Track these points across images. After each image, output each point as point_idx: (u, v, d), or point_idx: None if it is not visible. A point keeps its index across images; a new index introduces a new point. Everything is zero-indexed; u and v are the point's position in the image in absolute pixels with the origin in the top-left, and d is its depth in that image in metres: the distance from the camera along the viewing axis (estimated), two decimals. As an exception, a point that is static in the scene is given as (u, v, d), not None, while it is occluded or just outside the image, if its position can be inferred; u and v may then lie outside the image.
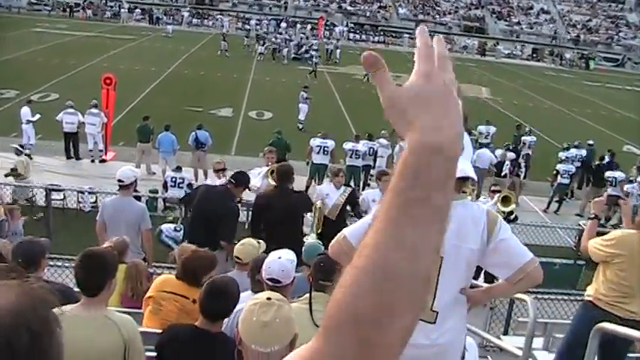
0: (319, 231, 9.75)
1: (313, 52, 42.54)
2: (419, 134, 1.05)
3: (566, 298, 9.78)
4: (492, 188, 13.37)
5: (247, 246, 6.26)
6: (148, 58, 40.48)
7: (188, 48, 45.79)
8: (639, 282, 4.80)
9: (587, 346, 4.58)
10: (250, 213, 11.49)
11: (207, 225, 8.17)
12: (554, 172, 20.78)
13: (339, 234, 3.46)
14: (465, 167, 3.26)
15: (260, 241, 6.46)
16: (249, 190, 10.49)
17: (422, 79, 1.11)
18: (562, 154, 21.88)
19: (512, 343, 7.11)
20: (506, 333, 9.05)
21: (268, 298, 2.57)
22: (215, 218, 8.24)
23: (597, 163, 21.31)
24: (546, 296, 9.73)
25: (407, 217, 1.00)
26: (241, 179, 8.92)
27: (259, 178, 10.56)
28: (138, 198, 10.62)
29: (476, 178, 3.32)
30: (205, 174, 18.32)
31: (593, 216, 5.33)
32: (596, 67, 67.25)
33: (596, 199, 5.49)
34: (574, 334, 5.01)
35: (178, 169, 16.23)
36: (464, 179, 3.30)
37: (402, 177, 1.03)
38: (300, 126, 25.93)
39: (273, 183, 10.11)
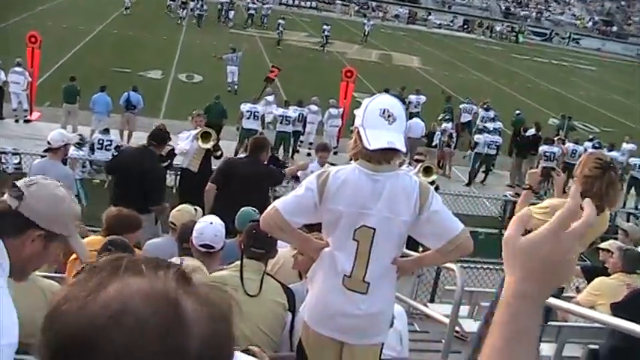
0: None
1: (280, 21, 41.44)
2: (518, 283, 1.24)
3: (491, 267, 9.98)
4: (416, 157, 13.46)
5: (184, 212, 6.11)
6: (76, 16, 39.21)
7: (117, 7, 44.55)
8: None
9: None
10: (179, 178, 11.38)
11: (133, 187, 8.01)
12: (473, 142, 21.08)
13: (270, 206, 3.42)
14: (394, 139, 3.24)
15: (197, 207, 6.34)
16: (176, 154, 10.34)
17: (553, 239, 1.21)
18: (490, 125, 22.23)
19: (439, 310, 7.23)
20: (432, 300, 9.20)
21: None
22: (141, 181, 8.10)
23: (522, 134, 21.71)
24: (472, 265, 9.90)
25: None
26: (160, 136, 8.75)
27: (188, 141, 10.38)
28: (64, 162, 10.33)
29: (405, 150, 3.31)
30: (130, 136, 18.11)
31: (527, 187, 5.38)
32: (525, 41, 68.45)
33: (530, 171, 5.54)
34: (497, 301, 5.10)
35: (106, 131, 15.92)
36: (394, 151, 3.28)
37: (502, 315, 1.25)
38: (230, 88, 25.66)
39: (203, 146, 10.00)
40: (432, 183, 11.65)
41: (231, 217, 5.71)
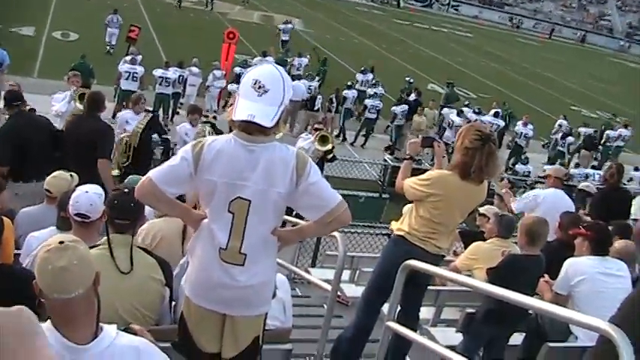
0: (124, 163, 9.28)
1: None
2: None
3: (372, 232, 10.12)
4: (315, 126, 13.50)
5: (59, 179, 5.80)
6: None
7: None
8: (453, 223, 4.96)
9: (392, 281, 4.73)
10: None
11: None
12: (363, 106, 21.38)
13: (144, 177, 3.27)
14: (257, 112, 3.14)
15: (73, 174, 6.04)
16: (52, 113, 9.87)
17: None
18: (370, 90, 22.56)
19: (320, 275, 7.26)
20: (313, 265, 9.25)
21: (61, 242, 2.34)
22: None
23: (405, 99, 22.13)
24: (353, 230, 10.01)
25: None
26: (11, 98, 8.13)
27: (64, 103, 9.93)
28: None
29: (269, 125, 3.20)
30: (-2, 95, 17.20)
31: (408, 157, 5.40)
32: (406, 6, 69.55)
33: (411, 141, 5.54)
34: (383, 268, 5.14)
35: (-31, 89, 15.00)
36: (258, 126, 3.17)
37: None
38: (111, 50, 24.82)
39: (81, 107, 9.56)
40: (329, 152, 11.73)
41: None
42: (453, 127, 19.72)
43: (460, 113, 21.13)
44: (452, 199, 4.77)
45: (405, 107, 21.04)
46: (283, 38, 31.46)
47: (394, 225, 5.16)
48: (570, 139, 23.00)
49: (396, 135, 21.08)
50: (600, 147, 24.07)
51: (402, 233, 4.96)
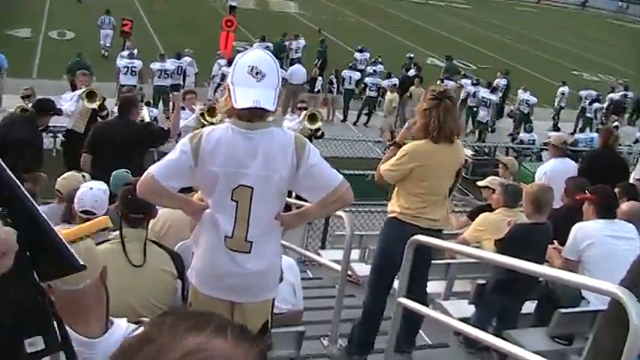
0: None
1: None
2: None
3: (380, 210, 10.09)
4: (299, 105, 13.42)
5: (70, 180, 5.85)
6: None
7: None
8: (442, 189, 4.98)
9: (394, 259, 4.78)
10: (61, 140, 10.96)
11: (7, 155, 7.60)
12: (363, 85, 21.30)
13: (146, 172, 3.29)
14: (260, 97, 3.17)
15: (85, 174, 6.08)
16: (60, 114, 9.88)
17: None
18: (370, 68, 22.49)
19: (330, 256, 7.30)
20: (323, 246, 9.28)
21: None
22: (18, 147, 7.73)
23: (404, 74, 22.06)
24: (360, 209, 10.01)
25: None
26: (47, 106, 8.39)
27: (72, 102, 9.95)
28: None
29: (273, 108, 3.25)
30: None
31: (393, 143, 5.22)
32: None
33: (405, 127, 5.44)
34: (381, 250, 5.18)
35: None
36: (264, 110, 3.22)
37: None
38: (106, 53, 24.25)
39: (89, 106, 9.61)
40: (318, 130, 11.70)
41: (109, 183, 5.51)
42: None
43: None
44: (433, 164, 4.81)
45: (394, 80, 21.00)
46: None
47: (391, 206, 5.17)
48: (597, 105, 22.95)
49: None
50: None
51: (394, 214, 5.00)
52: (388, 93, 20.12)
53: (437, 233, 4.97)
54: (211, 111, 10.02)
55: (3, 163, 1.23)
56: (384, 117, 19.59)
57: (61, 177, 6.01)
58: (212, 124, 9.48)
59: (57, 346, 1.30)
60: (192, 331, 1.03)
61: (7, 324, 1.21)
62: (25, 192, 1.29)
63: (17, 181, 1.26)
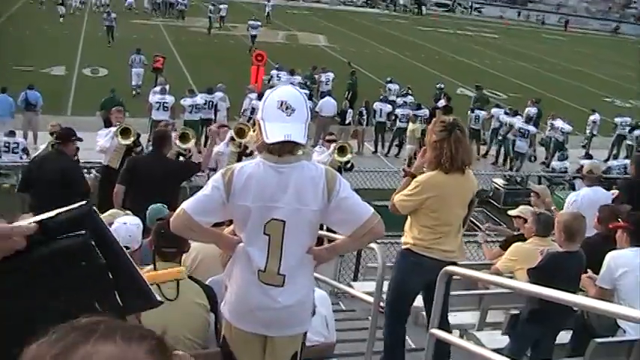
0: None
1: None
2: None
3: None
4: (327, 138, 13.37)
5: (115, 217, 5.94)
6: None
7: (7, 7, 42.58)
8: (455, 219, 4.97)
9: (409, 290, 4.82)
10: (100, 177, 11.14)
11: (51, 189, 7.77)
12: (394, 116, 21.32)
13: (178, 208, 3.35)
14: (291, 132, 3.22)
15: (128, 212, 6.17)
16: (81, 140, 10.04)
17: None
18: (400, 100, 22.53)
19: (363, 288, 7.29)
20: (355, 279, 9.26)
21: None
22: (60, 180, 7.93)
23: (434, 106, 22.06)
24: (392, 240, 9.97)
25: None
26: (66, 133, 8.53)
27: (108, 138, 10.08)
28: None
29: (304, 142, 3.31)
30: (35, 137, 17.49)
31: (410, 173, 5.12)
32: (428, 13, 69.45)
33: (419, 157, 5.37)
34: (395, 283, 5.18)
35: (12, 133, 15.31)
36: (293, 143, 3.26)
37: None
38: (138, 90, 24.03)
39: (123, 142, 9.74)
40: (347, 162, 11.69)
41: (143, 216, 5.59)
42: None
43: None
44: (445, 195, 4.81)
45: (425, 111, 21.01)
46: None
47: (405, 238, 5.16)
48: (638, 132, 22.59)
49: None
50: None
51: (407, 246, 4.99)
52: (410, 123, 20.14)
53: (450, 265, 4.96)
54: (240, 132, 10.09)
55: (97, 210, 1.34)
56: (411, 147, 19.60)
57: (106, 213, 6.09)
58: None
59: None
60: (79, 342, 1.02)
61: None
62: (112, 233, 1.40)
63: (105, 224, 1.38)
